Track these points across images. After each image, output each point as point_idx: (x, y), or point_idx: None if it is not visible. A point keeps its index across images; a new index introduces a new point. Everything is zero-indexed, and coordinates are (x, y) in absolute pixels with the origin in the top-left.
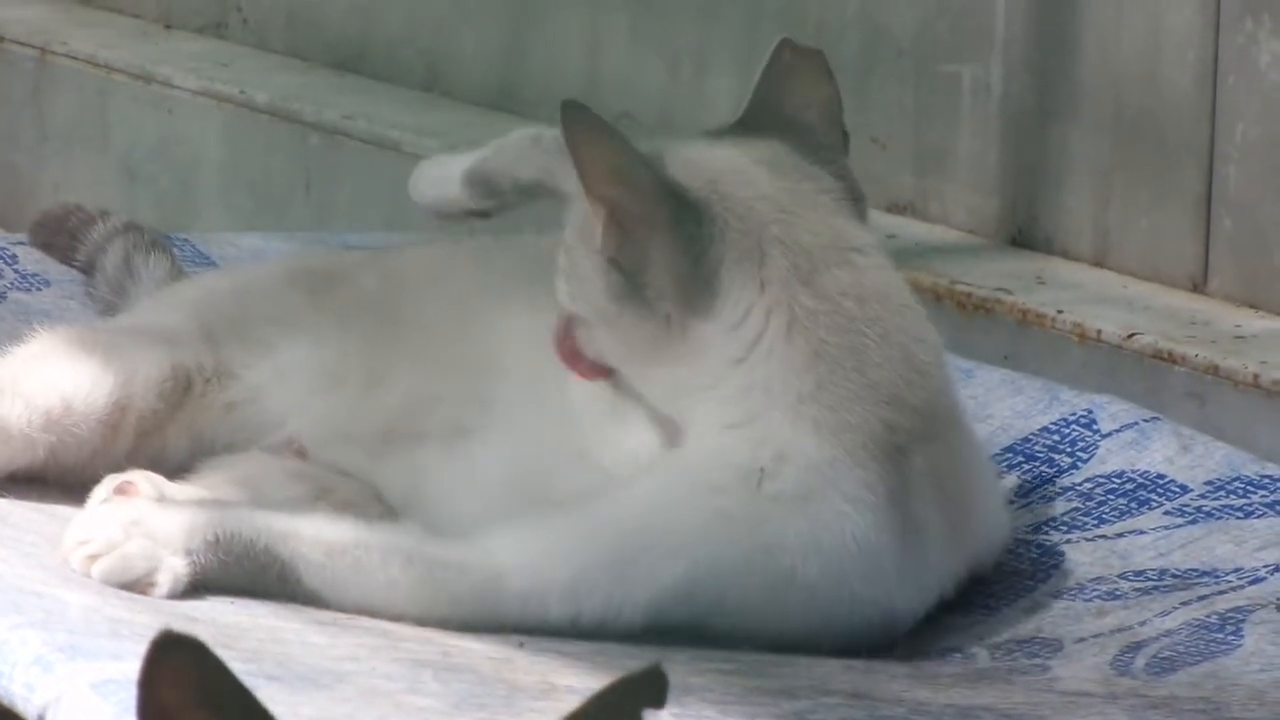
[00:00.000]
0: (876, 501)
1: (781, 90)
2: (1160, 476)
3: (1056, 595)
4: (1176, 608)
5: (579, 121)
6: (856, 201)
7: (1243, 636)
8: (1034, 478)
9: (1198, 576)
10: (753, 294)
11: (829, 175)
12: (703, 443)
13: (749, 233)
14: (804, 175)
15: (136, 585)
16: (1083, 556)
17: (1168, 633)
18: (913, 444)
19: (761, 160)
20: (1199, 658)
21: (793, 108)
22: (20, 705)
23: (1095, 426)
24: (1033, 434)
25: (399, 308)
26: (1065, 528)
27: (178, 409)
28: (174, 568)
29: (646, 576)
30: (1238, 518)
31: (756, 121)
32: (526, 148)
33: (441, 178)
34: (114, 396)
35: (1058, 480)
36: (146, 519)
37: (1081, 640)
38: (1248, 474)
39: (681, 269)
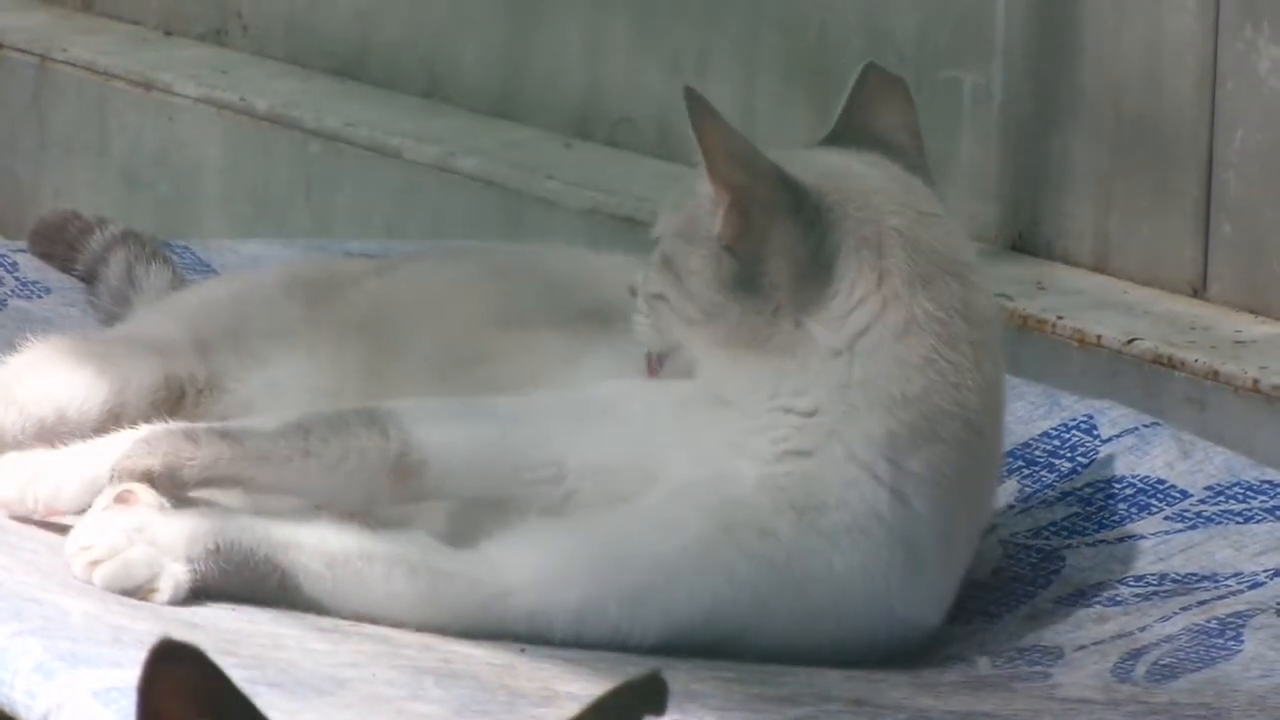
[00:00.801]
0: (934, 521)
1: (869, 112)
2: (1160, 482)
3: (1057, 602)
4: (1177, 613)
5: (704, 108)
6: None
7: (1243, 642)
8: (1034, 483)
9: (1198, 581)
10: (869, 284)
11: (925, 185)
12: (748, 470)
13: (867, 220)
14: (911, 183)
15: (138, 592)
16: (1083, 562)
17: (1168, 638)
18: (979, 471)
19: (870, 163)
20: (1200, 664)
21: (882, 129)
22: (21, 713)
23: (1095, 432)
24: (1033, 439)
25: (398, 323)
26: (1065, 533)
27: (171, 418)
28: (175, 574)
29: (660, 612)
30: (1238, 523)
31: (846, 139)
32: None
33: None
34: (108, 405)
35: (1058, 485)
36: (149, 526)
37: (1082, 647)
38: (1248, 479)
39: (800, 254)
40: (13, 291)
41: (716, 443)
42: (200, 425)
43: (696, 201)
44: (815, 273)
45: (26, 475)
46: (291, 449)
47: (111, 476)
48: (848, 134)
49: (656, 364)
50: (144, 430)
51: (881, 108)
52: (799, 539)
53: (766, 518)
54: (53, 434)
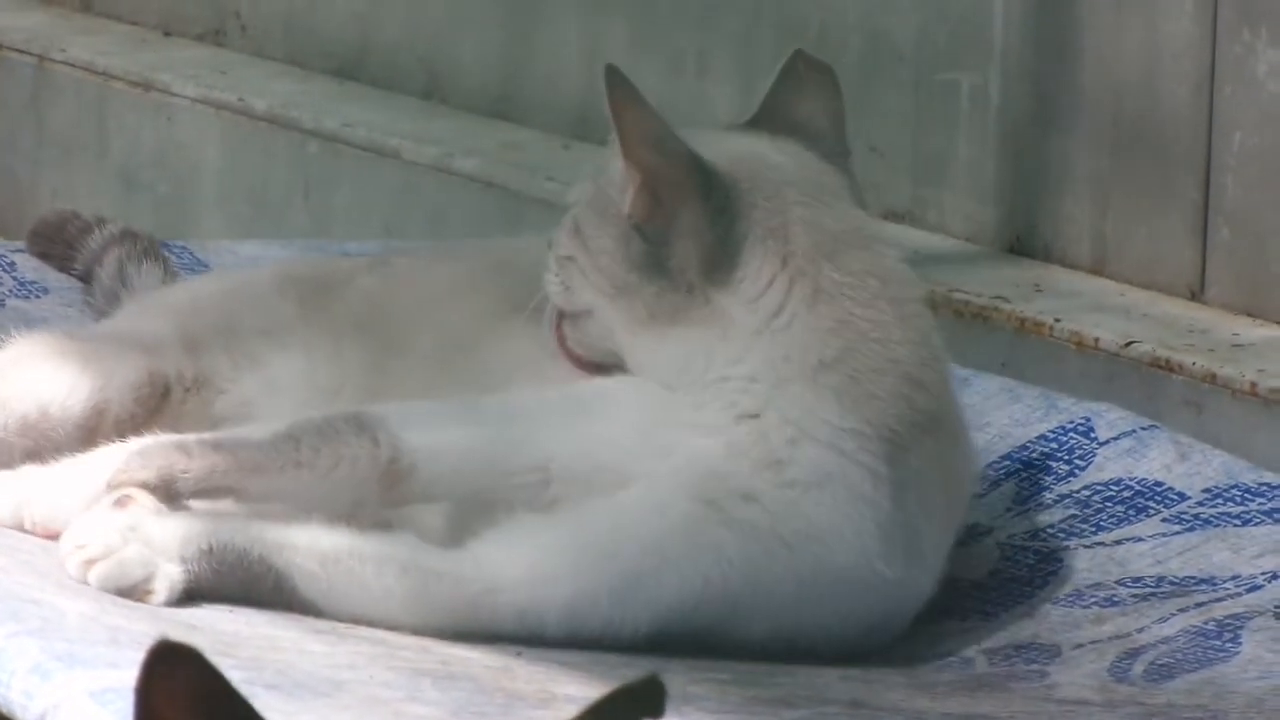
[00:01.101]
0: (893, 477)
1: (793, 98)
2: (1158, 484)
3: (1054, 602)
4: (1174, 614)
5: (622, 87)
6: (862, 207)
7: (1240, 644)
8: (1031, 485)
9: (1195, 584)
10: (775, 267)
11: (843, 176)
12: (712, 442)
13: (775, 211)
14: (822, 172)
15: (133, 592)
16: (1081, 563)
17: (1166, 639)
18: (926, 423)
19: (783, 150)
20: (1197, 665)
21: (804, 114)
22: (18, 713)
23: (1093, 434)
24: (1030, 442)
25: (397, 320)
26: (1063, 535)
27: (156, 414)
28: (170, 575)
29: (650, 598)
30: (1235, 525)
31: (768, 123)
32: None
33: None
34: (91, 401)
35: (1055, 488)
36: (143, 525)
37: (1079, 646)
38: (1245, 482)
39: (707, 239)
40: (11, 291)
41: (677, 427)
42: (192, 437)
43: (608, 176)
44: (722, 257)
45: (21, 496)
46: (283, 459)
47: (107, 492)
48: (770, 119)
49: (563, 324)
50: (137, 444)
51: (805, 94)
52: (776, 495)
53: (745, 481)
54: (36, 430)
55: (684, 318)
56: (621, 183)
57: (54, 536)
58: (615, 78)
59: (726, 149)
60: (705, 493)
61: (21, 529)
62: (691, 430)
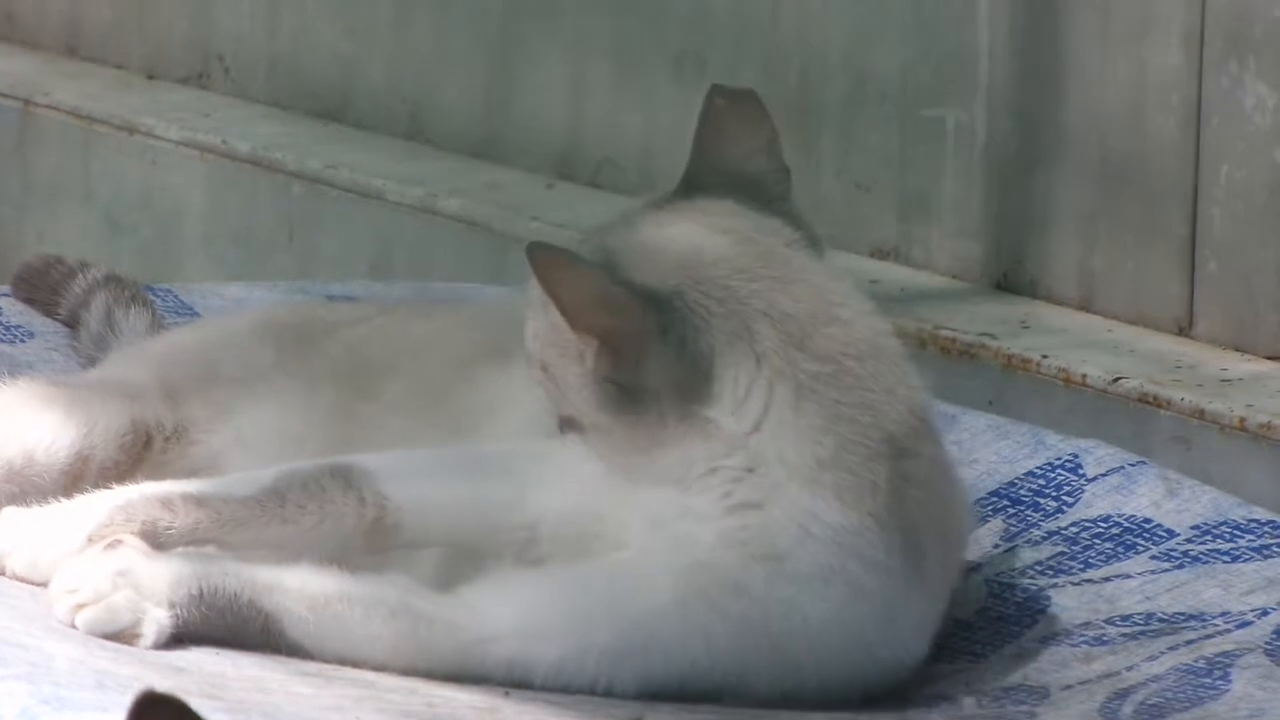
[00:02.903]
0: (895, 562)
1: (721, 141)
2: (1147, 521)
3: (1043, 641)
4: (1164, 652)
5: (549, 262)
6: (815, 245)
7: (1230, 681)
8: (1019, 522)
9: (1185, 621)
10: (750, 371)
11: (786, 225)
12: (701, 530)
13: (732, 314)
14: (765, 232)
15: (121, 636)
16: (1069, 601)
17: (1155, 678)
18: (922, 490)
19: (719, 229)
20: (1187, 703)
21: (735, 158)
22: None
23: (1081, 471)
24: (1018, 478)
25: (371, 366)
26: (1051, 572)
27: (140, 462)
28: (158, 619)
29: (638, 668)
30: (1225, 561)
31: (701, 179)
32: None
33: None
34: (75, 447)
35: (1043, 525)
36: (133, 570)
37: (1069, 687)
38: (1234, 518)
39: (678, 372)
40: None
41: (663, 504)
42: (176, 490)
43: (552, 322)
44: (695, 379)
45: (2, 545)
46: (268, 515)
47: (89, 545)
48: (703, 171)
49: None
50: (121, 495)
51: (732, 134)
52: (770, 590)
53: (736, 574)
54: (21, 476)
55: (660, 441)
56: (567, 336)
57: (34, 584)
58: (539, 253)
59: (663, 255)
60: (695, 580)
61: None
62: (679, 512)
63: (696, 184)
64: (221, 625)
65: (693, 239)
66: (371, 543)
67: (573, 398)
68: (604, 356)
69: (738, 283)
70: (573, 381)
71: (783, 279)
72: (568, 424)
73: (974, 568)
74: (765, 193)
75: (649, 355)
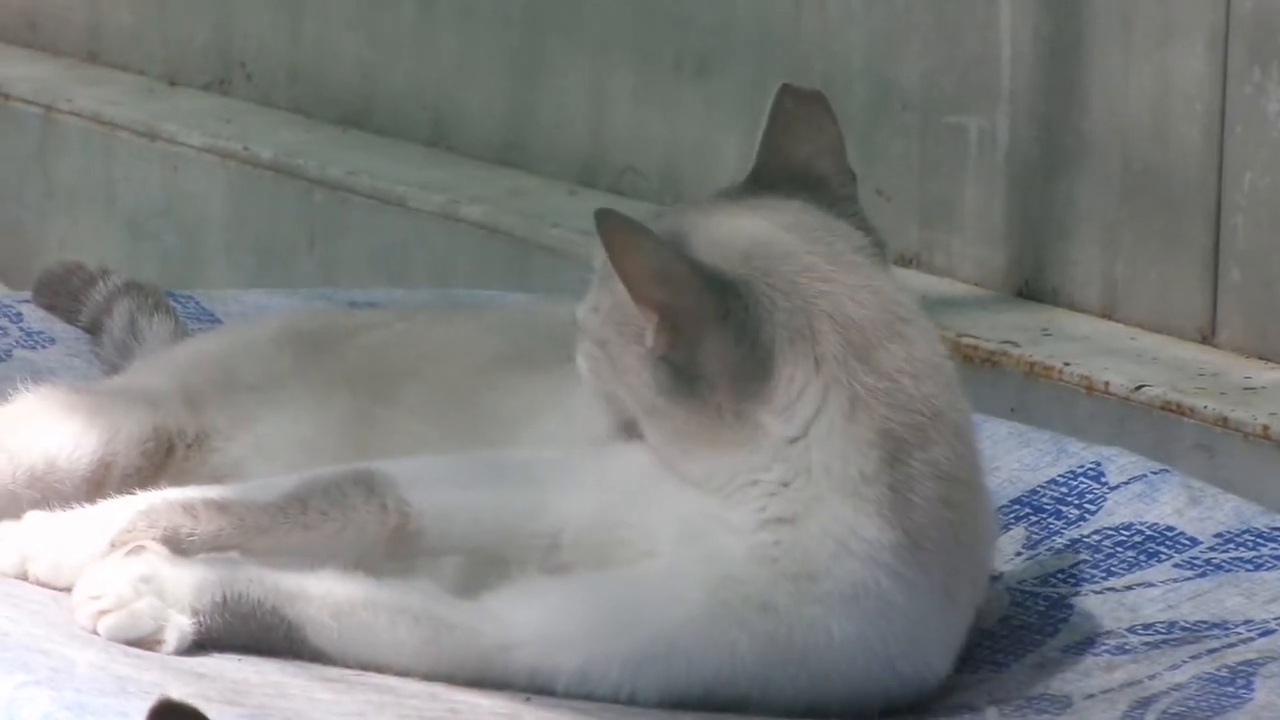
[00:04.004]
0: (926, 581)
1: (789, 139)
2: (1169, 529)
3: (1065, 650)
4: (1186, 661)
5: (617, 229)
6: (881, 250)
7: (1253, 690)
8: (1042, 530)
9: (1208, 629)
10: (807, 373)
11: (855, 229)
12: (734, 543)
13: (797, 310)
14: (834, 235)
15: (143, 642)
16: (1091, 610)
17: (1178, 686)
18: (958, 513)
19: (790, 226)
20: (1210, 712)
21: (803, 157)
22: None
23: (1103, 479)
24: (1040, 486)
25: (390, 373)
26: (1073, 581)
27: (161, 469)
28: (180, 626)
29: (661, 678)
30: (1247, 570)
31: (769, 175)
32: None
33: None
34: (97, 454)
35: (1065, 533)
36: (157, 576)
37: (1091, 696)
38: (1257, 526)
39: (735, 359)
40: (17, 342)
41: (697, 515)
42: (198, 496)
43: (617, 298)
44: (752, 369)
45: (26, 550)
46: (290, 522)
47: (111, 551)
48: (770, 169)
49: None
50: (143, 501)
51: (799, 134)
52: (798, 609)
53: (764, 591)
54: (43, 483)
55: (714, 437)
56: (630, 312)
57: (57, 589)
58: (608, 219)
59: (732, 243)
60: (722, 593)
61: (24, 580)
62: (712, 523)
63: (764, 181)
64: (244, 632)
65: (762, 232)
66: (393, 550)
67: (631, 380)
68: (663, 333)
69: (805, 281)
70: (631, 362)
71: (851, 284)
72: (614, 407)
73: (996, 576)
74: (832, 194)
75: (708, 337)
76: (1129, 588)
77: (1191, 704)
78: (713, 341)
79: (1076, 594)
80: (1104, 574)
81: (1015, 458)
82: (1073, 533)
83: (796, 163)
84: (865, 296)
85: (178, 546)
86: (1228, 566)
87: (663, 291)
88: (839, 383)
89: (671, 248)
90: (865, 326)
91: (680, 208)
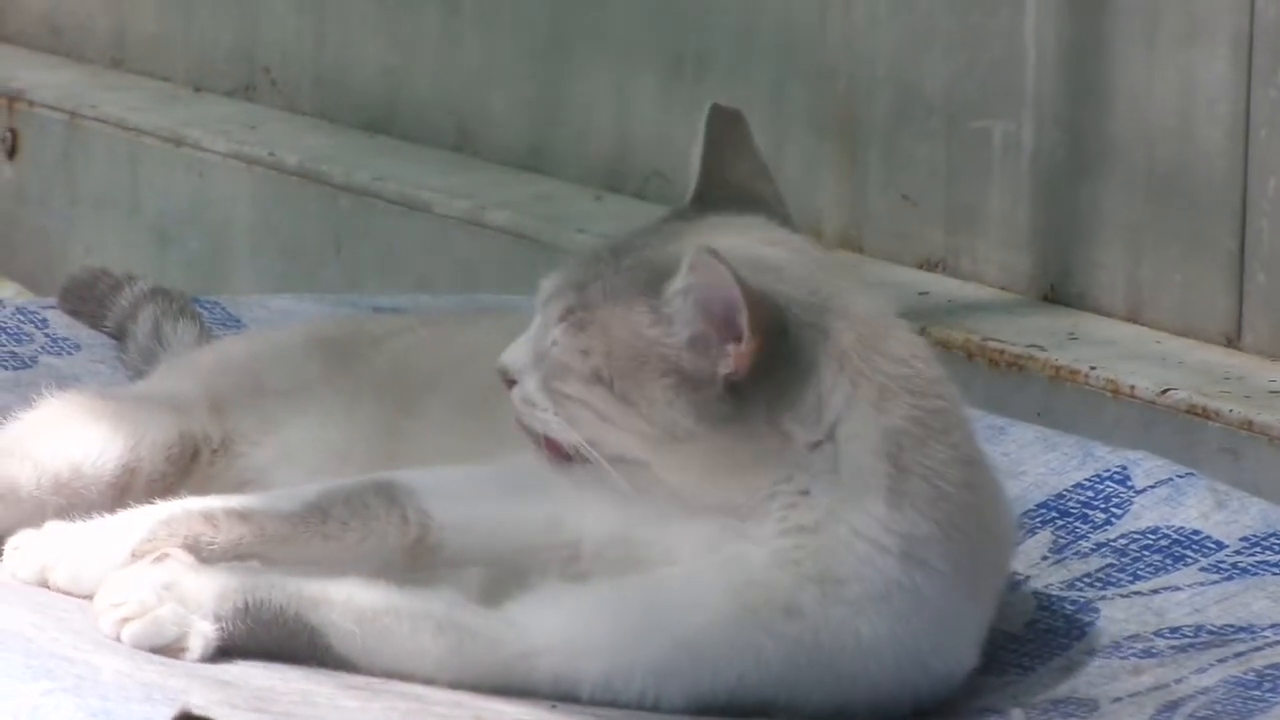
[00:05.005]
0: (955, 571)
1: (726, 160)
2: (1195, 533)
3: (1092, 654)
4: (1213, 665)
5: (719, 263)
6: None
7: None
8: (1068, 534)
9: (1234, 633)
10: (834, 370)
11: (804, 239)
12: (755, 549)
13: (812, 312)
14: (806, 244)
15: (167, 649)
16: (1118, 614)
17: (1205, 690)
18: (978, 495)
19: (769, 240)
20: (1236, 716)
21: (741, 177)
22: None
23: (1129, 483)
24: (1067, 490)
25: (416, 381)
26: (1100, 584)
27: (187, 475)
28: (204, 632)
29: (685, 683)
30: (1274, 573)
31: (712, 195)
32: None
33: None
34: (122, 460)
35: (1091, 536)
36: (179, 583)
37: (1118, 700)
38: None
39: (783, 375)
40: (43, 348)
41: (717, 527)
42: (219, 505)
43: (628, 325)
44: (789, 378)
45: (46, 559)
46: (311, 531)
47: (132, 560)
48: (713, 190)
49: (564, 451)
50: (164, 510)
51: (733, 155)
52: (824, 612)
53: (789, 595)
54: (69, 489)
55: (740, 456)
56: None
57: (76, 598)
58: (712, 255)
59: (758, 267)
60: (745, 598)
61: (45, 588)
62: (731, 533)
63: (709, 201)
64: (267, 639)
65: (750, 249)
66: (414, 560)
67: (656, 413)
68: (747, 358)
69: (809, 287)
70: (658, 395)
71: (845, 284)
72: (587, 451)
73: (1022, 580)
74: (781, 214)
75: (773, 358)
76: (1155, 591)
77: (1218, 707)
78: (772, 360)
79: (1103, 597)
80: (1130, 578)
81: (1041, 462)
82: (1099, 536)
83: (735, 183)
84: (860, 293)
85: (199, 555)
86: (1254, 570)
87: (766, 320)
88: (864, 375)
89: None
90: (871, 319)
91: (639, 235)
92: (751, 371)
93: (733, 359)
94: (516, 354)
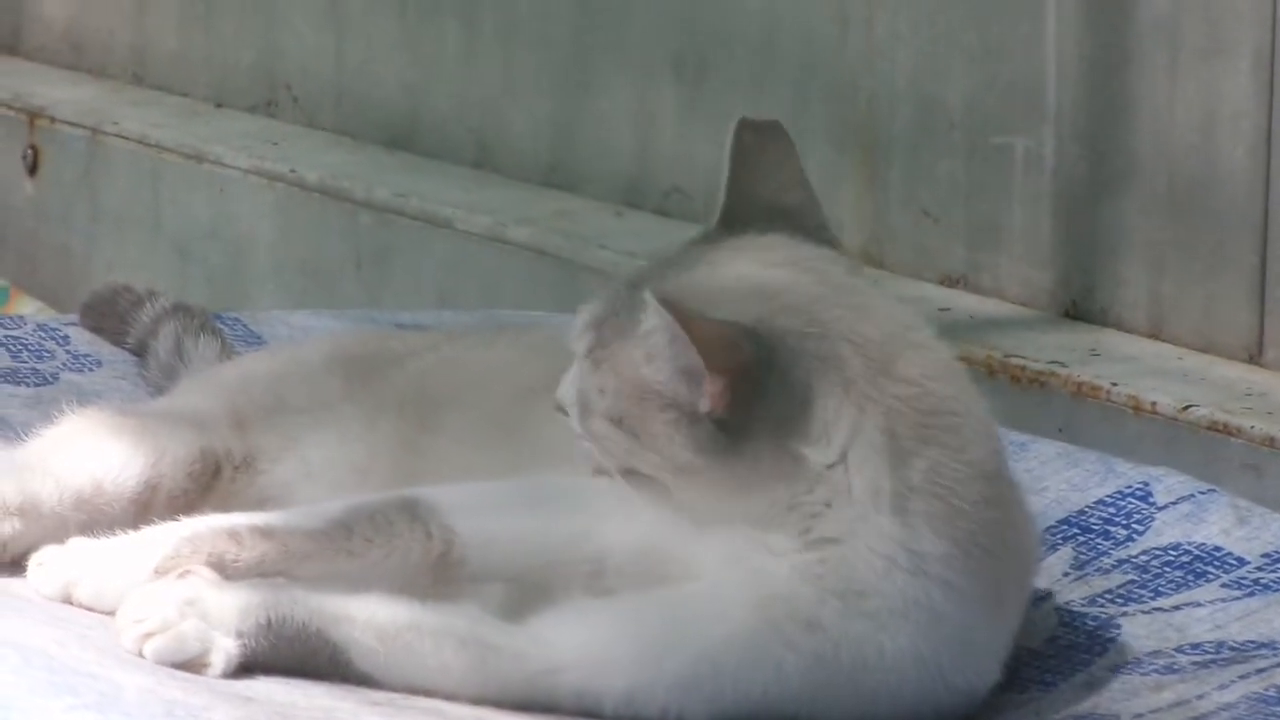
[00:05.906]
0: (976, 588)
1: (754, 174)
2: (1217, 549)
3: (1113, 670)
4: (1235, 681)
5: (675, 310)
6: (861, 270)
7: None
8: (1089, 550)
9: (1256, 649)
10: (839, 399)
11: (839, 254)
12: (777, 563)
13: (816, 340)
14: (824, 261)
15: (189, 665)
16: (1139, 630)
17: (1227, 706)
18: (999, 511)
19: (780, 262)
20: None
21: (770, 191)
22: None
23: (1151, 499)
24: (1088, 506)
25: (438, 398)
26: (1121, 600)
27: (208, 491)
28: (226, 649)
29: (708, 698)
30: None
31: (740, 214)
32: None
33: None
34: (144, 476)
35: (1113, 553)
36: (201, 599)
37: (1139, 716)
38: None
39: (779, 407)
40: (64, 365)
41: (740, 541)
42: (243, 522)
43: (630, 363)
44: (790, 408)
45: (70, 574)
46: (335, 548)
47: (155, 577)
48: (740, 206)
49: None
50: (187, 527)
51: (765, 167)
52: (846, 626)
53: (810, 609)
54: (90, 505)
55: (748, 482)
56: (646, 384)
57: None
58: (666, 308)
59: (737, 295)
60: (767, 611)
61: (68, 604)
62: (754, 545)
63: (736, 220)
64: (290, 655)
65: (760, 274)
66: (438, 576)
67: (661, 447)
68: (724, 395)
69: (817, 311)
70: (659, 429)
71: (855, 305)
72: (630, 476)
73: (1044, 596)
74: (805, 223)
75: (757, 390)
76: (1177, 608)
77: None
78: (764, 393)
79: (1124, 614)
80: (1152, 594)
81: (1063, 478)
82: (1120, 553)
83: (765, 197)
84: (872, 314)
85: (222, 572)
86: (1276, 586)
87: (729, 356)
88: (871, 400)
89: (730, 322)
90: (881, 342)
91: (655, 266)
92: (734, 407)
93: (708, 398)
94: (565, 389)
